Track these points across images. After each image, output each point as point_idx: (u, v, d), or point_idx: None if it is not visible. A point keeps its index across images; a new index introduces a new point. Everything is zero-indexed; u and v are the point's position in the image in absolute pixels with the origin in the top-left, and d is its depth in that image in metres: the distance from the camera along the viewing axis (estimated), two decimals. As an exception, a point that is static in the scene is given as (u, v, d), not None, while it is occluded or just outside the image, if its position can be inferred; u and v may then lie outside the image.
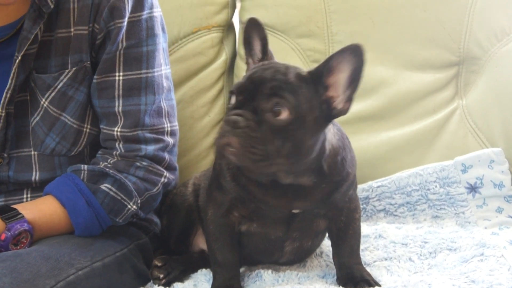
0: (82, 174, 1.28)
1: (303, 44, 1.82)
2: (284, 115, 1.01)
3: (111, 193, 1.27)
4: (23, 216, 1.18)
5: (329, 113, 1.06)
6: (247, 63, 1.19)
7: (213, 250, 1.26)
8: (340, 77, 1.03)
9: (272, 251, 1.29)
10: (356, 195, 1.24)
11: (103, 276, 1.22)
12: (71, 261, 1.16)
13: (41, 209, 1.23)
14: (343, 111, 1.06)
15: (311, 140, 1.05)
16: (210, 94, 1.84)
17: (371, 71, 1.80)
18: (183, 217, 1.43)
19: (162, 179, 1.34)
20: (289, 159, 1.04)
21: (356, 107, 1.82)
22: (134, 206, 1.30)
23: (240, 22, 1.90)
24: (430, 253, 1.34)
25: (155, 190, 1.34)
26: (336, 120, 1.79)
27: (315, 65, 1.81)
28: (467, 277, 1.11)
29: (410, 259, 1.32)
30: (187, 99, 1.82)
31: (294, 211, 1.18)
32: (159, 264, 1.35)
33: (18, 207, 1.21)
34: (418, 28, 1.76)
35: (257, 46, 1.16)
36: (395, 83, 1.78)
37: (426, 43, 1.77)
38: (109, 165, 1.30)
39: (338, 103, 1.05)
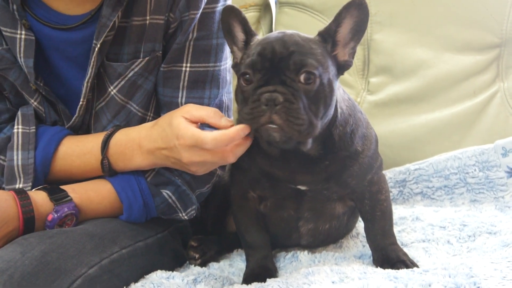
0: (148, 172, 1.27)
1: (341, 25, 1.80)
2: (315, 81, 1.04)
3: (170, 200, 1.27)
4: (71, 199, 1.19)
5: (339, 68, 1.11)
6: (232, 51, 1.18)
7: (241, 232, 1.28)
8: (345, 31, 1.09)
9: (289, 231, 1.30)
10: (380, 178, 1.23)
11: (145, 256, 1.24)
12: (115, 239, 1.18)
13: (89, 196, 1.23)
14: (349, 63, 1.11)
15: (334, 97, 1.09)
16: (246, 74, 1.85)
17: (411, 53, 1.79)
18: (219, 196, 1.44)
19: (214, 178, 1.33)
20: (322, 121, 1.07)
21: (395, 88, 1.81)
22: (186, 217, 1.30)
23: (277, 1, 1.90)
24: (469, 236, 1.32)
25: (205, 189, 1.33)
26: (373, 103, 1.81)
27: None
28: (509, 261, 1.10)
29: (448, 241, 1.31)
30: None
31: (300, 187, 1.19)
32: (195, 245, 1.36)
33: (68, 189, 1.21)
34: (460, 9, 1.73)
35: (238, 32, 1.16)
36: (434, 65, 1.76)
37: (467, 24, 1.74)
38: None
39: (344, 56, 1.10)
